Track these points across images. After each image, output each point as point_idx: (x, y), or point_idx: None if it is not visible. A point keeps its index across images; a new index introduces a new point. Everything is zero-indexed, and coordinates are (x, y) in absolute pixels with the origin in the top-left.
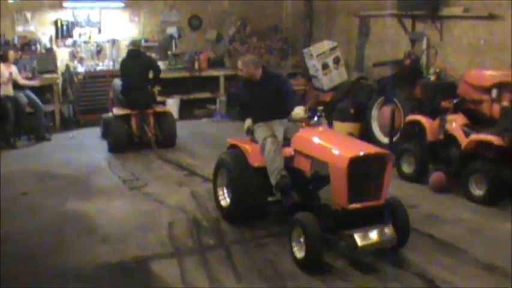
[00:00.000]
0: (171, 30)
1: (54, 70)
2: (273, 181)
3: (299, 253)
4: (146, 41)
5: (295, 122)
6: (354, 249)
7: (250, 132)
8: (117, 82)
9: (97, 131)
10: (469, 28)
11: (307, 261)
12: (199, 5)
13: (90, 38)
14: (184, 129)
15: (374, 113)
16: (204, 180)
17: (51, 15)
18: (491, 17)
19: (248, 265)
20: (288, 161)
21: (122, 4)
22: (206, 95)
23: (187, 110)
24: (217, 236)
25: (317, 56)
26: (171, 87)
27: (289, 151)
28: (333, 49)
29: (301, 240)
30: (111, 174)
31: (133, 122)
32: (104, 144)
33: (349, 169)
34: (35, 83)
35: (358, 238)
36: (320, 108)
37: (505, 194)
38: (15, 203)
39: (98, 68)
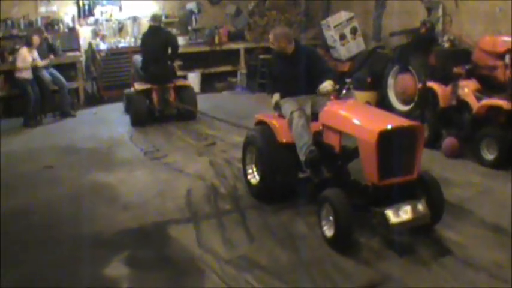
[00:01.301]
0: (191, 5)
1: (77, 48)
2: (301, 157)
3: (328, 231)
4: (167, 16)
5: (323, 95)
6: (386, 227)
7: (277, 107)
8: (138, 58)
9: (119, 106)
10: None
11: (337, 240)
12: None
13: (111, 15)
14: (205, 102)
15: (390, 81)
16: (223, 151)
17: None
18: None
19: (262, 228)
20: (317, 136)
21: None
22: (227, 68)
23: (209, 83)
24: (233, 202)
25: (334, 27)
26: (192, 61)
27: (317, 126)
28: (349, 19)
29: (331, 218)
30: (132, 146)
31: (154, 96)
32: (127, 119)
33: (378, 143)
34: (45, 62)
35: (390, 215)
36: (349, 81)
37: None
38: (40, 176)
39: (120, 45)
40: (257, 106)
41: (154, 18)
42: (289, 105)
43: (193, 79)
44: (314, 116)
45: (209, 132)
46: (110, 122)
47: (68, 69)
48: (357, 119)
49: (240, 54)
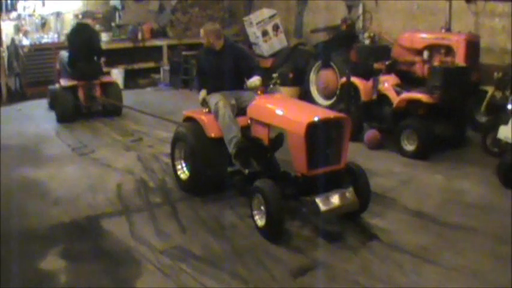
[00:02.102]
0: (115, 2)
1: None
2: (230, 150)
3: (260, 221)
4: (84, 13)
5: (251, 90)
6: (316, 215)
7: (205, 103)
8: (64, 54)
9: (44, 102)
10: None
11: (269, 229)
12: None
13: (34, 11)
14: (129, 98)
15: (312, 77)
16: (150, 146)
17: None
18: None
19: (193, 219)
20: (245, 130)
21: None
22: (150, 64)
23: (132, 79)
24: (163, 195)
25: (257, 23)
26: (115, 57)
27: (245, 120)
28: (272, 16)
29: (262, 208)
30: (60, 142)
31: (80, 92)
32: (52, 115)
33: (306, 135)
34: None
35: (320, 203)
36: (275, 75)
37: (435, 148)
38: None
39: (43, 41)
40: (180, 102)
41: (87, 14)
42: (214, 98)
43: (117, 75)
44: (241, 111)
45: (135, 127)
46: (35, 118)
47: None
48: (285, 112)
49: (163, 50)
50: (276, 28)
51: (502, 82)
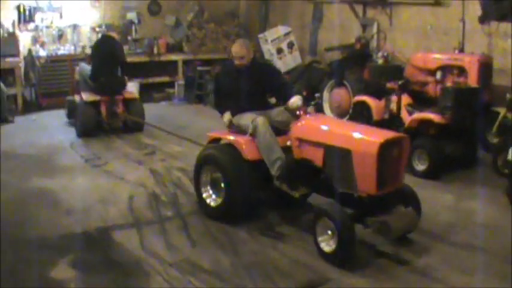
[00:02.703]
0: (131, 15)
1: (16, 54)
2: (274, 172)
3: (328, 247)
4: (107, 26)
5: (292, 111)
6: (387, 236)
7: (232, 125)
8: (85, 66)
9: (58, 113)
10: (417, 13)
11: (339, 255)
12: None
13: (51, 23)
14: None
15: (325, 94)
16: (162, 160)
17: (14, 1)
18: (437, 3)
19: (203, 233)
20: (286, 151)
21: None
22: (165, 79)
23: (147, 93)
24: (175, 208)
25: (272, 41)
26: (131, 71)
27: (283, 140)
28: (287, 34)
29: (329, 232)
30: (73, 154)
31: (102, 108)
32: (66, 126)
33: (379, 154)
34: None
35: (392, 223)
36: (317, 95)
37: (446, 168)
38: None
39: (60, 52)
40: (194, 117)
41: (110, 26)
42: (247, 116)
43: (132, 89)
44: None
45: (148, 141)
46: (49, 129)
47: (6, 75)
48: (348, 132)
49: (178, 65)
50: (290, 46)
51: None
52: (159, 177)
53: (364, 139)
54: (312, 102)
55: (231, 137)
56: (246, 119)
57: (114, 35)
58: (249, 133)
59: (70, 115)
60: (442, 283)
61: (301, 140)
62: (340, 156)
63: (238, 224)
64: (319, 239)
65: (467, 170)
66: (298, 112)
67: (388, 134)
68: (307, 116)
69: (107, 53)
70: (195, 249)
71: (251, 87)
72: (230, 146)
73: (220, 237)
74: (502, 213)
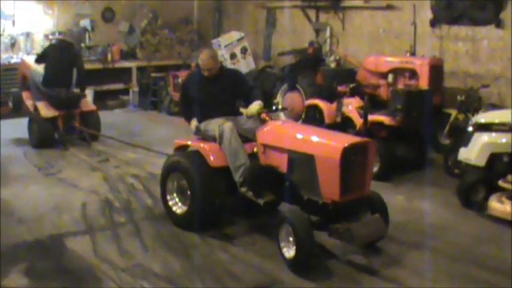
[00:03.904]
0: (85, 22)
1: None
2: (238, 178)
3: (288, 253)
4: (60, 33)
5: (251, 117)
6: (351, 243)
7: (199, 131)
8: (37, 70)
9: (12, 122)
10: (369, 18)
11: (298, 261)
12: None
13: (4, 30)
14: None
15: (279, 99)
16: (116, 166)
17: None
18: (389, 7)
19: (155, 238)
20: (251, 157)
21: None
22: (119, 86)
23: (101, 101)
24: (127, 214)
25: (225, 46)
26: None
27: (250, 147)
28: (240, 39)
29: (290, 239)
30: (26, 162)
31: (60, 122)
32: (20, 134)
33: (342, 160)
34: None
35: (355, 231)
36: (277, 101)
37: (398, 169)
38: None
39: (12, 61)
40: (149, 123)
41: (69, 33)
42: (215, 122)
43: (87, 97)
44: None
45: (101, 148)
46: (3, 138)
47: None
48: (312, 137)
49: (132, 72)
50: (244, 51)
51: (465, 105)
52: (112, 184)
53: (327, 144)
54: (274, 108)
55: (197, 144)
56: (213, 124)
57: (72, 41)
58: (217, 139)
59: (15, 109)
60: (392, 283)
61: (266, 146)
62: (303, 162)
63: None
64: (282, 244)
65: (419, 172)
66: (263, 118)
67: (352, 139)
68: (272, 121)
69: (63, 60)
70: (147, 254)
71: (220, 94)
72: (196, 153)
73: (172, 241)
74: (452, 213)
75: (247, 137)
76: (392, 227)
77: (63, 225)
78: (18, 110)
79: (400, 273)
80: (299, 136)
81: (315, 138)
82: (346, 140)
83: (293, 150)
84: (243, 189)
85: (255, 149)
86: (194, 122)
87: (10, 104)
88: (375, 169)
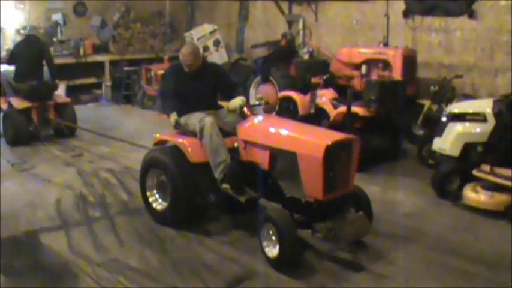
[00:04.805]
0: (56, 16)
1: None
2: (218, 175)
3: (271, 252)
4: (31, 27)
5: (233, 111)
6: (335, 242)
7: (179, 125)
8: (6, 68)
9: None
10: (342, 9)
11: (282, 260)
12: None
13: None
14: None
15: (252, 91)
16: (90, 161)
17: None
18: None
19: (131, 232)
20: (232, 153)
21: None
22: (92, 80)
23: (73, 95)
24: (102, 209)
25: (198, 39)
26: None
27: (230, 142)
28: (213, 32)
29: (273, 238)
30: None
31: (34, 115)
32: None
33: (325, 158)
34: None
35: (339, 229)
36: (259, 96)
37: (373, 160)
38: None
39: None
40: (122, 117)
41: (33, 27)
42: (195, 116)
43: (59, 90)
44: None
45: (75, 143)
46: None
47: None
48: (293, 133)
49: (104, 66)
50: (217, 43)
51: (438, 95)
52: (86, 178)
53: (309, 141)
54: (257, 103)
55: (177, 139)
56: (194, 119)
57: (39, 35)
58: (198, 134)
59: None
60: (366, 272)
61: (247, 142)
62: (285, 159)
63: (178, 228)
64: (264, 244)
65: (393, 162)
66: (245, 112)
67: (335, 136)
68: (253, 116)
69: (31, 54)
70: (123, 248)
71: (201, 89)
72: (176, 148)
73: (148, 235)
74: (427, 203)
75: (228, 131)
76: None
77: (38, 221)
78: None
79: (377, 263)
80: (281, 133)
81: (297, 135)
82: (329, 137)
83: (275, 148)
84: (224, 186)
85: (235, 144)
86: (174, 116)
87: None
88: None
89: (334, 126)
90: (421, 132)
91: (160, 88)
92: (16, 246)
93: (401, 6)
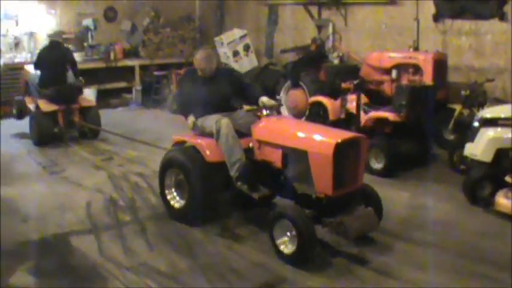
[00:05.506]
0: (87, 22)
1: None
2: (233, 173)
3: (287, 248)
4: (63, 33)
5: (270, 107)
6: (345, 236)
7: (196, 127)
8: (32, 72)
9: (16, 121)
10: (371, 13)
11: (299, 255)
12: None
13: (7, 31)
14: (101, 118)
15: (282, 96)
16: (120, 165)
17: None
18: (392, 2)
19: (160, 237)
20: (247, 153)
21: None
22: (122, 84)
23: (104, 99)
24: (132, 213)
25: (228, 43)
26: (87, 77)
27: (245, 142)
28: (243, 37)
29: (289, 234)
30: (31, 161)
31: (60, 118)
32: (24, 133)
33: (334, 155)
34: None
35: (348, 224)
36: (279, 97)
37: (403, 166)
38: None
39: (16, 60)
40: (151, 121)
41: (56, 33)
42: (211, 118)
43: (89, 95)
44: (238, 134)
45: (106, 147)
46: (7, 136)
47: None
48: (305, 133)
49: (134, 70)
50: (246, 48)
51: (469, 100)
52: (116, 182)
53: (319, 140)
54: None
55: (194, 140)
56: (210, 120)
57: (60, 40)
58: (214, 135)
59: (19, 116)
60: (399, 280)
61: (261, 142)
62: (297, 158)
63: (194, 225)
64: (278, 241)
65: (423, 168)
66: (259, 113)
67: (344, 135)
68: (267, 117)
69: (55, 60)
70: (153, 252)
71: (216, 91)
72: (193, 148)
73: (177, 240)
74: (458, 209)
75: (243, 132)
76: (397, 223)
77: (68, 223)
78: (21, 117)
79: (406, 270)
80: (293, 132)
81: (308, 134)
82: (338, 135)
83: (287, 146)
84: (239, 184)
85: (250, 144)
86: (191, 118)
87: (14, 111)
88: (380, 166)
89: (365, 131)
90: (451, 137)
91: (177, 91)
92: (46, 248)
93: (431, 9)
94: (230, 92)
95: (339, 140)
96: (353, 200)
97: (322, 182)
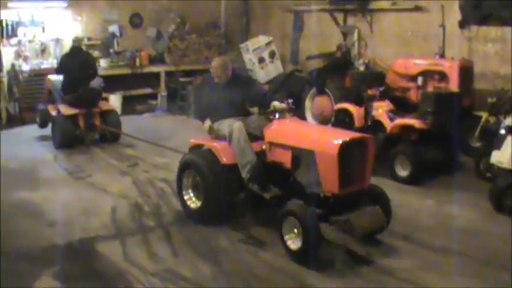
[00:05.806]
0: (113, 28)
1: None
2: (245, 175)
3: (294, 245)
4: (89, 39)
5: (281, 110)
6: (351, 234)
7: (212, 130)
8: (55, 79)
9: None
10: (397, 20)
11: (305, 252)
12: (140, 3)
13: (34, 37)
14: (126, 124)
15: (307, 103)
16: (145, 171)
17: None
18: (417, 9)
19: (185, 243)
20: (259, 155)
21: (64, 3)
22: (147, 90)
23: (129, 105)
24: (157, 219)
25: (253, 50)
26: (113, 83)
27: (258, 145)
28: (268, 43)
29: (296, 230)
30: (56, 166)
31: (81, 121)
32: (49, 139)
33: (339, 155)
34: None
35: (355, 222)
36: (290, 101)
37: (428, 173)
38: None
39: (43, 66)
40: (177, 127)
41: (77, 39)
42: (226, 122)
43: (115, 101)
44: (251, 137)
45: (131, 153)
46: (33, 142)
47: None
48: (312, 134)
49: (160, 76)
50: (272, 55)
51: (496, 107)
52: (142, 188)
53: (325, 140)
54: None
55: (210, 143)
56: (225, 124)
57: (81, 45)
58: (227, 138)
59: (43, 125)
60: (421, 287)
61: (272, 144)
62: (305, 158)
63: (220, 232)
64: (286, 237)
65: (449, 175)
66: (272, 117)
67: (351, 135)
68: (278, 120)
69: (77, 65)
70: (177, 258)
71: (230, 98)
72: (209, 151)
73: (202, 246)
74: (484, 217)
75: (256, 136)
76: (423, 231)
77: (93, 229)
78: (44, 126)
79: (432, 278)
80: (301, 133)
81: (315, 135)
82: (344, 136)
83: (296, 147)
84: (250, 185)
85: (263, 147)
86: (208, 122)
87: (37, 120)
88: (405, 173)
89: (391, 138)
90: (478, 144)
91: (195, 97)
92: (71, 253)
93: (457, 16)
94: (244, 98)
95: (344, 140)
96: (360, 199)
97: (329, 181)
